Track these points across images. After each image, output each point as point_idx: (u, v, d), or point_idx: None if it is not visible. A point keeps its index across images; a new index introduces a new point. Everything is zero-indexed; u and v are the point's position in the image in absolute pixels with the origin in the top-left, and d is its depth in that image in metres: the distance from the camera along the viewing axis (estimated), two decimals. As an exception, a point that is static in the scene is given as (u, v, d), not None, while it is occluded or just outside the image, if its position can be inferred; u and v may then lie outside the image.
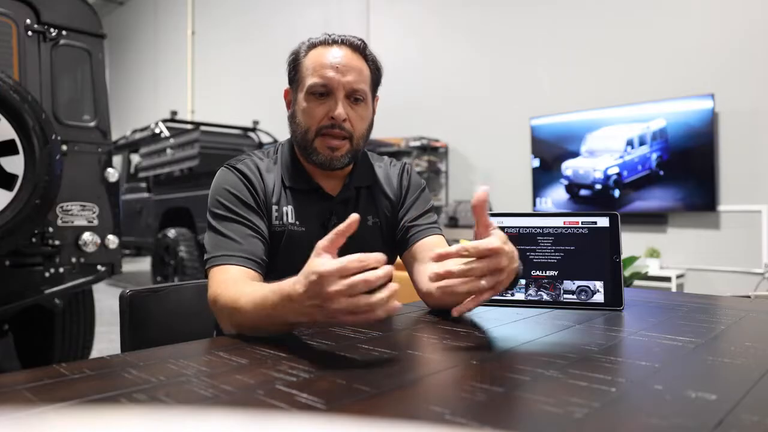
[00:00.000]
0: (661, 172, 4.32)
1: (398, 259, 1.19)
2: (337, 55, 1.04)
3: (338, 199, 1.11)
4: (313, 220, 1.09)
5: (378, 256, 0.65)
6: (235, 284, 0.89)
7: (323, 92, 1.03)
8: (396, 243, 1.17)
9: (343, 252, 1.11)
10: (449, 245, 1.17)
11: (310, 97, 1.04)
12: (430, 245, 1.10)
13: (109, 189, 2.58)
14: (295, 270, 1.06)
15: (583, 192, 4.78)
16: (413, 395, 0.55)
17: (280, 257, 1.06)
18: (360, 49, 1.07)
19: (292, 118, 1.10)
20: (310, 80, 1.03)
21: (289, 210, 1.08)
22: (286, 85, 1.13)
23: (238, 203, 1.03)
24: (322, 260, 0.67)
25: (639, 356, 0.69)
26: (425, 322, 0.94)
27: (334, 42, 1.05)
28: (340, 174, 1.13)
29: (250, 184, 1.06)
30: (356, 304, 0.65)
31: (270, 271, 1.02)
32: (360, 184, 1.14)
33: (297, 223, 1.07)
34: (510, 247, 0.77)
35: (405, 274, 1.16)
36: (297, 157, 1.12)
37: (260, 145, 6.37)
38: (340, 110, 1.02)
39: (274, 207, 1.07)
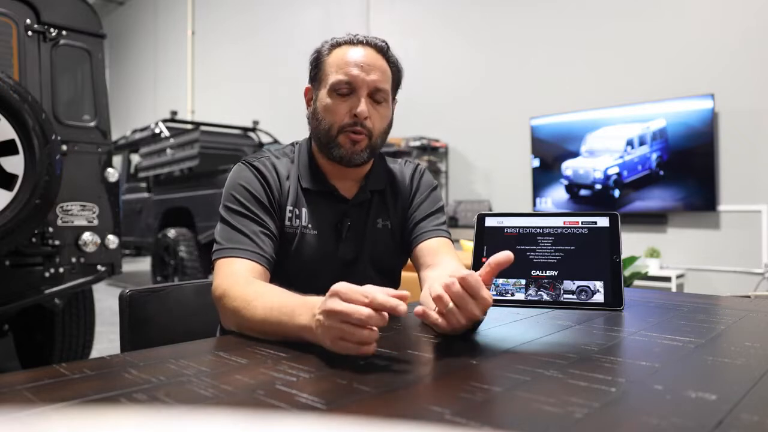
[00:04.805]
0: (661, 172, 4.32)
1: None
2: (361, 54, 1.04)
3: (353, 202, 1.11)
4: (326, 222, 1.09)
5: (390, 302, 0.63)
6: (247, 283, 0.89)
7: (347, 90, 1.03)
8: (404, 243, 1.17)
9: (356, 255, 1.11)
10: (454, 247, 1.18)
11: (334, 94, 1.04)
12: (433, 249, 1.10)
13: (109, 189, 2.58)
14: (305, 272, 1.07)
15: (583, 192, 4.78)
16: (413, 395, 0.55)
17: (290, 259, 1.06)
18: (383, 50, 1.07)
19: (313, 115, 1.09)
20: (334, 77, 1.04)
21: (303, 212, 1.08)
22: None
23: (252, 200, 1.03)
24: (346, 283, 0.66)
25: (639, 356, 0.69)
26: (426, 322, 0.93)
27: (359, 42, 1.06)
28: (356, 176, 1.13)
29: (266, 183, 1.06)
30: (342, 330, 0.64)
31: (280, 273, 1.02)
32: (375, 187, 1.14)
33: (310, 226, 1.08)
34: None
35: (414, 274, 1.15)
36: (314, 156, 1.12)
37: (260, 145, 6.37)
38: (363, 107, 1.02)
39: (289, 208, 1.07)
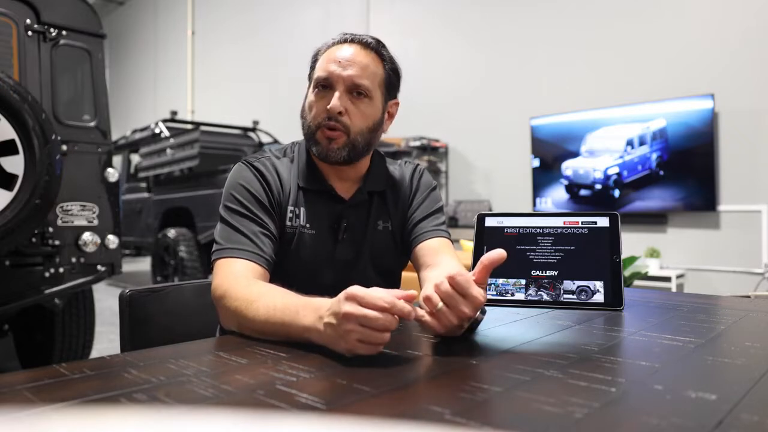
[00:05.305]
0: (661, 172, 4.32)
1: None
2: (344, 50, 1.04)
3: (350, 203, 1.10)
4: (323, 222, 1.08)
5: (407, 308, 0.66)
6: (248, 283, 0.89)
7: (325, 86, 1.04)
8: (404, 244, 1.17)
9: (356, 256, 1.11)
10: (454, 247, 1.18)
11: (315, 90, 1.05)
12: (433, 249, 1.10)
13: (109, 189, 2.58)
14: (305, 272, 1.07)
15: (583, 192, 4.78)
16: (413, 395, 0.55)
17: (289, 258, 1.05)
18: (371, 46, 1.06)
19: (301, 113, 1.10)
20: (316, 74, 1.06)
21: (302, 212, 1.08)
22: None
23: (252, 200, 1.03)
24: (359, 287, 0.67)
25: (639, 356, 0.69)
26: (425, 322, 0.93)
27: (346, 40, 1.06)
28: (353, 177, 1.12)
29: (266, 183, 1.06)
30: (362, 333, 0.65)
31: (280, 273, 1.01)
32: (374, 188, 1.14)
33: (308, 225, 1.07)
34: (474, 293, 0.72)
35: (414, 274, 1.15)
36: (311, 156, 1.12)
37: (260, 145, 6.36)
38: (335, 102, 1.01)
39: (290, 209, 1.07)
